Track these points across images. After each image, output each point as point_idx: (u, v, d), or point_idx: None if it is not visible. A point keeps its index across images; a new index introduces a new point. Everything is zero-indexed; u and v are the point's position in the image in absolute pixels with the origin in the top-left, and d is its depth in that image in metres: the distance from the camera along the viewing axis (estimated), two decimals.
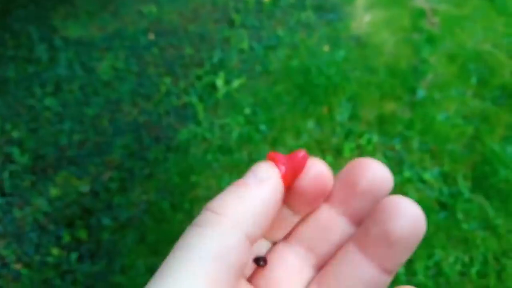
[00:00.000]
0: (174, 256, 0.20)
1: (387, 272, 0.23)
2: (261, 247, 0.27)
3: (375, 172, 0.24)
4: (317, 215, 0.26)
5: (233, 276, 0.20)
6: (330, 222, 0.25)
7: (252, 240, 0.22)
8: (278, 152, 0.25)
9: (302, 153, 0.25)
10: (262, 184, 0.23)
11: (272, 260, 0.26)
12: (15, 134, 1.60)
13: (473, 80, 1.73)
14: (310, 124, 1.60)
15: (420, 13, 2.00)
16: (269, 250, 0.27)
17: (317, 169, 0.24)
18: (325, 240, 0.25)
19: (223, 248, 0.20)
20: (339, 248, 0.25)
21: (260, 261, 0.26)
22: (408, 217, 0.22)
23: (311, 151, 1.53)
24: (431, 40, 1.88)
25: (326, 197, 0.26)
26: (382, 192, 0.24)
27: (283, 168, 0.24)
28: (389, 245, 0.22)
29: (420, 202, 1.36)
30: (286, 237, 0.27)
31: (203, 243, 0.20)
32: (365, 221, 0.24)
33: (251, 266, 0.26)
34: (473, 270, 1.22)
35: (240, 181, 0.23)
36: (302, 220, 0.26)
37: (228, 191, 0.23)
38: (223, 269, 0.20)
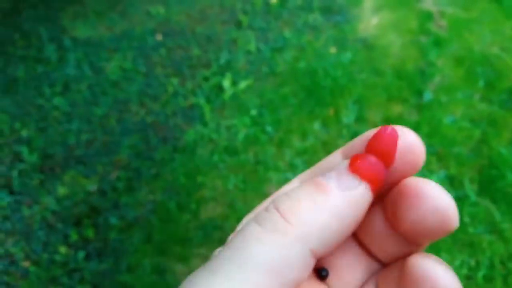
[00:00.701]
0: (228, 253, 0.18)
1: (413, 245, 0.22)
2: None
3: (410, 140, 0.21)
4: None
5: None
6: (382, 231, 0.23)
7: (318, 255, 0.19)
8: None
9: (388, 129, 0.20)
10: (345, 195, 0.19)
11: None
12: (24, 133, 1.62)
13: (480, 83, 1.72)
14: (317, 125, 1.60)
15: (428, 16, 2.00)
16: None
17: (408, 140, 0.21)
18: (380, 245, 0.23)
19: (282, 261, 0.18)
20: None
21: (322, 272, 0.23)
22: (430, 207, 0.19)
23: (317, 153, 1.53)
24: (438, 43, 1.87)
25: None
26: (416, 163, 0.21)
27: (380, 176, 0.20)
28: (410, 229, 0.20)
29: None
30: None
31: (262, 250, 0.18)
32: (389, 196, 0.21)
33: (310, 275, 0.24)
34: (479, 274, 1.22)
35: (321, 184, 0.20)
36: None
37: (304, 192, 0.20)
38: (276, 284, 0.18)
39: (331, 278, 0.24)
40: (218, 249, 0.21)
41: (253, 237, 0.18)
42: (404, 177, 0.21)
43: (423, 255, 0.20)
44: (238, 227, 0.24)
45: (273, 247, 0.18)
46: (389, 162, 0.20)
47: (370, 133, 0.22)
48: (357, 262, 0.23)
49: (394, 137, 0.20)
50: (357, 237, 0.24)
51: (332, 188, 0.19)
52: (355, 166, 0.20)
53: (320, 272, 0.24)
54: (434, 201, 0.19)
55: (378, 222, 0.22)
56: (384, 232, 0.22)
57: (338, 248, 0.23)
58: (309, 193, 0.19)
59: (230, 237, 0.22)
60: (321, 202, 0.19)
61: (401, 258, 0.22)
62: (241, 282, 0.17)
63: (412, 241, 0.21)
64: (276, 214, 0.19)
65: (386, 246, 0.22)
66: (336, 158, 0.24)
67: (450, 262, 1.24)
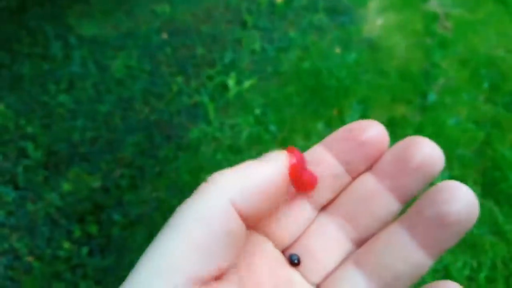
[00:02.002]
0: (169, 221, 0.21)
1: (432, 256, 0.23)
2: (306, 214, 0.26)
3: (429, 150, 0.24)
4: (361, 185, 0.25)
5: (218, 241, 0.20)
6: (375, 195, 0.25)
7: (244, 213, 0.21)
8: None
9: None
10: (263, 163, 0.22)
11: (311, 229, 0.26)
12: (29, 130, 1.63)
13: (485, 85, 1.72)
14: (320, 126, 1.61)
15: (433, 17, 2.00)
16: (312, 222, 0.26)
17: (431, 148, 0.24)
18: (368, 213, 0.25)
19: (204, 211, 0.20)
20: (382, 223, 0.25)
21: (293, 260, 0.25)
22: (464, 202, 0.22)
23: None
24: (443, 44, 1.87)
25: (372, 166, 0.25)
26: (434, 172, 0.24)
27: (294, 159, 0.23)
28: (442, 228, 0.22)
29: None
30: (328, 206, 0.26)
31: (188, 208, 0.21)
32: (418, 202, 0.23)
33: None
34: (482, 275, 1.22)
35: (245, 162, 0.23)
36: (345, 188, 0.26)
37: (230, 168, 0.23)
38: (205, 232, 0.20)
39: (307, 262, 0.25)
40: None
41: (184, 203, 0.21)
42: (426, 180, 0.24)
43: None
44: None
45: (197, 203, 0.21)
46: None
47: (350, 125, 0.25)
48: (331, 244, 0.25)
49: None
50: (332, 215, 0.26)
51: (254, 162, 0.23)
52: (289, 150, 0.24)
53: (292, 259, 0.25)
54: (467, 198, 0.22)
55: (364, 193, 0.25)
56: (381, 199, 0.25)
57: (312, 232, 0.25)
58: (234, 167, 0.23)
59: None
60: (241, 168, 0.22)
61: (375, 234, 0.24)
62: (178, 239, 0.20)
63: (435, 243, 0.23)
64: (202, 182, 0.22)
65: (365, 220, 0.25)
66: (318, 150, 0.26)
67: (452, 263, 1.24)
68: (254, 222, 0.22)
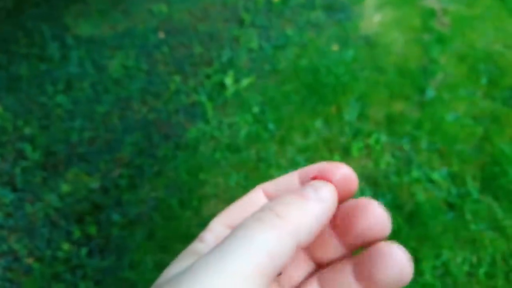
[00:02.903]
0: (236, 236, 0.22)
1: None
2: None
3: (376, 217, 0.25)
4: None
5: (273, 278, 0.22)
6: (326, 236, 0.27)
7: (300, 246, 0.23)
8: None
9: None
10: (322, 202, 0.24)
11: None
12: (27, 131, 1.62)
13: (483, 80, 1.71)
14: (318, 123, 1.60)
15: (431, 13, 1.99)
16: None
17: (378, 214, 0.26)
18: (324, 250, 0.28)
19: (278, 249, 0.22)
20: (334, 259, 0.27)
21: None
22: (396, 267, 0.24)
23: (319, 150, 1.53)
24: (441, 40, 1.87)
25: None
26: (378, 237, 0.25)
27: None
28: (374, 284, 0.24)
29: (428, 202, 1.36)
30: None
31: (263, 238, 0.22)
32: (361, 256, 0.26)
33: None
34: (481, 271, 1.22)
35: (301, 193, 0.25)
36: None
37: (290, 199, 0.24)
38: (270, 268, 0.21)
39: (282, 275, 0.28)
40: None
41: (256, 228, 0.22)
42: (372, 241, 0.26)
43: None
44: (209, 227, 0.28)
45: (272, 237, 0.22)
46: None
47: (322, 164, 0.27)
48: (301, 263, 0.28)
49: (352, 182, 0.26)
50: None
51: (312, 198, 0.24)
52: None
53: None
54: (400, 262, 0.24)
55: (327, 235, 0.27)
56: (328, 242, 0.27)
57: None
58: (294, 200, 0.24)
59: (201, 234, 0.27)
60: (306, 207, 0.24)
61: (336, 261, 0.27)
62: (246, 262, 0.21)
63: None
64: (272, 213, 0.23)
65: (327, 252, 0.27)
66: (293, 177, 0.29)
67: (452, 259, 1.24)
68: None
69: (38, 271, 1.28)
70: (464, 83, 1.72)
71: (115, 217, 1.39)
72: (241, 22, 2.00)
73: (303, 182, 0.28)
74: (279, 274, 0.26)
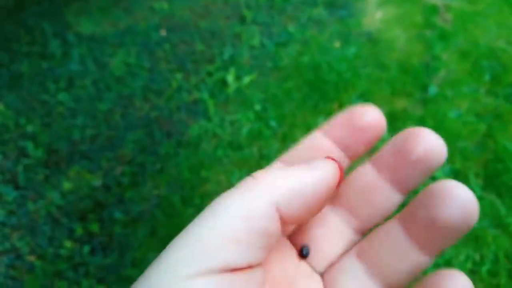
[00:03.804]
0: (206, 212, 0.21)
1: (429, 255, 0.23)
2: None
3: (430, 142, 0.23)
4: (362, 176, 0.26)
5: (257, 239, 0.21)
6: (376, 186, 0.25)
7: (285, 216, 0.22)
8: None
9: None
10: (312, 169, 0.22)
11: (315, 220, 0.26)
12: (29, 129, 1.62)
13: (486, 77, 1.71)
14: (321, 120, 1.60)
15: (433, 9, 1.98)
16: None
17: (433, 140, 0.23)
18: (369, 204, 0.25)
19: (248, 210, 0.21)
20: (383, 214, 0.25)
21: (303, 251, 0.25)
22: (459, 204, 0.21)
23: None
24: (443, 36, 1.86)
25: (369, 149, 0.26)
26: (435, 163, 0.23)
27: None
28: (435, 231, 0.21)
29: None
30: (330, 199, 0.27)
31: (231, 203, 0.21)
32: (413, 203, 0.23)
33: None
34: (484, 269, 1.21)
35: (293, 163, 0.23)
36: (346, 179, 0.26)
37: (278, 167, 0.23)
38: (244, 230, 0.20)
39: (312, 252, 0.26)
40: None
41: (227, 196, 0.21)
42: (427, 172, 0.23)
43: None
44: None
45: (243, 199, 0.21)
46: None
47: (348, 110, 0.26)
48: (335, 234, 0.26)
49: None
50: (337, 208, 0.26)
51: (302, 165, 0.22)
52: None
53: (302, 251, 0.25)
54: (462, 201, 0.21)
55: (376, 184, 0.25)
56: (376, 192, 0.25)
57: (315, 221, 0.26)
58: (282, 167, 0.23)
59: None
60: (290, 171, 0.22)
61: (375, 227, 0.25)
62: (218, 228, 0.20)
63: (431, 244, 0.23)
64: (248, 177, 0.22)
65: (376, 204, 0.25)
66: (317, 136, 0.27)
67: (454, 257, 1.24)
68: (290, 225, 0.23)
69: (40, 269, 1.29)
70: (467, 79, 1.71)
71: (118, 214, 1.39)
72: (242, 19, 1.99)
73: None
74: (306, 255, 0.25)
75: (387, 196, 0.25)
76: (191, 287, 0.19)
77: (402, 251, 0.23)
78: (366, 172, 0.25)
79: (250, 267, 0.21)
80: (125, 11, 2.05)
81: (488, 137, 1.52)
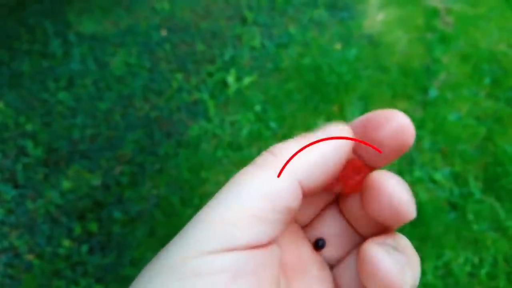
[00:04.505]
0: (226, 189, 0.21)
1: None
2: (325, 197, 0.27)
3: (400, 122, 0.23)
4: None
5: (278, 219, 0.21)
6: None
7: (306, 190, 0.22)
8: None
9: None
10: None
11: (328, 212, 0.27)
12: (29, 128, 1.62)
13: (487, 80, 1.71)
14: (321, 122, 1.60)
15: (434, 13, 1.98)
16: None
17: (399, 121, 0.23)
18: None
19: (272, 189, 0.21)
20: None
21: (318, 243, 0.26)
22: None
23: None
24: (444, 39, 1.86)
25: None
26: (404, 144, 0.23)
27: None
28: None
29: (431, 202, 1.35)
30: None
31: (253, 181, 0.21)
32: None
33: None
34: (483, 272, 1.21)
35: (308, 134, 0.23)
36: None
37: (293, 140, 0.23)
38: (268, 209, 0.20)
39: (326, 246, 0.26)
40: None
41: (247, 173, 0.21)
42: (395, 153, 0.24)
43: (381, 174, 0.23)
44: None
45: (264, 178, 0.21)
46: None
47: (373, 113, 0.25)
48: (345, 234, 0.26)
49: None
50: (343, 214, 0.27)
51: (318, 136, 0.22)
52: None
53: (317, 243, 0.26)
54: (391, 197, 0.22)
55: (357, 204, 0.25)
56: (360, 213, 0.25)
57: (329, 215, 0.26)
58: (298, 139, 0.23)
59: None
60: (304, 143, 0.22)
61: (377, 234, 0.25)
62: (239, 208, 0.20)
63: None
64: (267, 154, 0.22)
65: (363, 224, 0.26)
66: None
67: (454, 259, 1.24)
68: (309, 194, 0.23)
69: (38, 268, 1.28)
70: (467, 83, 1.72)
71: (116, 214, 1.39)
72: (243, 20, 1.99)
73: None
74: (321, 246, 0.26)
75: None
76: (213, 262, 0.19)
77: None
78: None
79: (270, 243, 0.21)
80: (126, 11, 2.05)
81: (488, 141, 1.52)
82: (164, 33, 1.93)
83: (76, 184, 1.48)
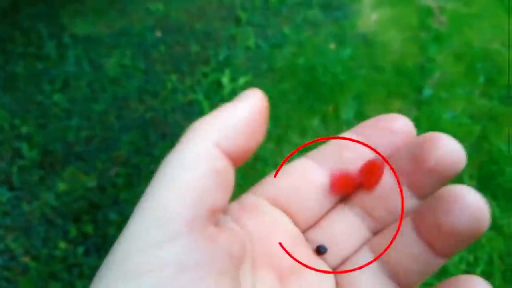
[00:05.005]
0: (156, 174, 0.22)
1: (441, 256, 0.23)
2: (328, 201, 0.27)
3: (447, 149, 0.23)
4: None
5: (209, 182, 0.21)
6: (392, 191, 0.25)
7: (229, 151, 0.22)
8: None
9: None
10: (240, 101, 0.23)
11: (331, 215, 0.27)
12: (24, 130, 1.62)
13: (481, 79, 1.72)
14: (316, 122, 1.60)
15: (428, 12, 1.99)
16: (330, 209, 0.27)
17: (451, 146, 0.23)
18: (385, 206, 0.25)
19: (191, 156, 0.21)
20: (398, 218, 0.25)
21: (320, 249, 0.26)
22: (468, 210, 0.21)
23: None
24: (438, 38, 1.87)
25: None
26: (453, 170, 0.23)
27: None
28: (444, 235, 0.21)
29: None
30: (347, 200, 0.27)
31: (174, 157, 0.21)
32: (424, 205, 0.23)
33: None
34: (478, 270, 1.22)
35: (222, 105, 0.24)
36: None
37: (212, 112, 0.24)
38: (195, 176, 0.21)
39: (330, 245, 0.26)
40: None
41: (173, 150, 0.22)
42: (445, 178, 0.23)
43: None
44: None
45: (182, 150, 0.21)
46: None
47: (376, 118, 0.26)
48: (350, 230, 0.26)
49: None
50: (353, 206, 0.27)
51: (229, 103, 0.23)
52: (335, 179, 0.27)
53: (319, 249, 0.26)
54: (472, 207, 0.21)
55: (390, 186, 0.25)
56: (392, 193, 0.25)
57: (331, 218, 0.27)
58: (212, 112, 0.23)
59: None
60: (218, 111, 0.23)
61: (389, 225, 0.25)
62: (173, 184, 0.20)
63: (442, 247, 0.23)
64: (188, 131, 0.23)
65: (389, 206, 0.25)
66: (346, 136, 0.28)
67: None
68: (240, 160, 0.23)
69: (34, 270, 1.28)
70: (462, 81, 1.72)
71: (112, 216, 1.39)
72: (238, 21, 2.00)
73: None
74: (323, 251, 0.26)
75: (404, 199, 0.25)
76: (155, 257, 0.19)
77: (414, 251, 0.23)
78: (384, 176, 0.26)
79: (216, 213, 0.21)
80: (120, 12, 2.05)
81: (482, 139, 1.53)
82: (158, 34, 1.93)
83: (72, 186, 1.47)
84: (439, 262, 0.23)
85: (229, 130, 0.22)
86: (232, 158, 0.23)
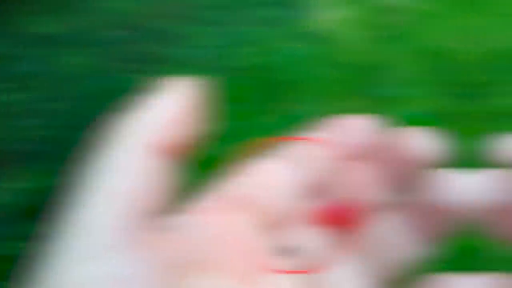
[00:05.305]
0: (82, 183, 0.20)
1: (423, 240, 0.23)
2: None
3: (416, 142, 0.23)
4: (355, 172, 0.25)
5: (139, 187, 0.20)
6: (362, 189, 0.24)
7: (157, 147, 0.21)
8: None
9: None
10: (161, 95, 0.22)
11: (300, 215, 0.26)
12: None
13: (442, 77, 1.72)
14: (274, 121, 1.60)
15: (388, 10, 1.99)
16: None
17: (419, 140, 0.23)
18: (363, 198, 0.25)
19: (117, 160, 0.20)
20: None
21: (285, 250, 0.25)
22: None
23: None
24: (398, 37, 1.87)
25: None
26: (423, 164, 0.22)
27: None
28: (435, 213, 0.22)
29: None
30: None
31: (99, 163, 0.20)
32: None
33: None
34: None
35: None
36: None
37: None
38: (122, 182, 0.20)
39: (297, 246, 0.25)
40: None
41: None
42: (416, 173, 0.23)
43: None
44: None
45: (108, 152, 0.20)
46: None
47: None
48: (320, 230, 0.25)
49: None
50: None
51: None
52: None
53: (284, 250, 0.24)
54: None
55: None
56: None
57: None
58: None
59: None
60: (144, 106, 0.22)
61: None
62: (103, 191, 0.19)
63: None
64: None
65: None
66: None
67: None
68: (179, 150, 0.22)
69: None
70: (422, 80, 1.72)
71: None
72: (195, 19, 2.00)
73: None
74: (289, 253, 0.24)
75: (379, 192, 0.24)
76: (92, 271, 0.17)
77: (394, 238, 0.23)
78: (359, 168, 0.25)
79: (150, 214, 0.20)
80: (78, 11, 2.04)
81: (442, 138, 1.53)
82: (116, 33, 1.93)
83: (33, 185, 1.47)
84: (422, 249, 0.23)
85: (154, 124, 0.21)
86: (167, 152, 0.21)
